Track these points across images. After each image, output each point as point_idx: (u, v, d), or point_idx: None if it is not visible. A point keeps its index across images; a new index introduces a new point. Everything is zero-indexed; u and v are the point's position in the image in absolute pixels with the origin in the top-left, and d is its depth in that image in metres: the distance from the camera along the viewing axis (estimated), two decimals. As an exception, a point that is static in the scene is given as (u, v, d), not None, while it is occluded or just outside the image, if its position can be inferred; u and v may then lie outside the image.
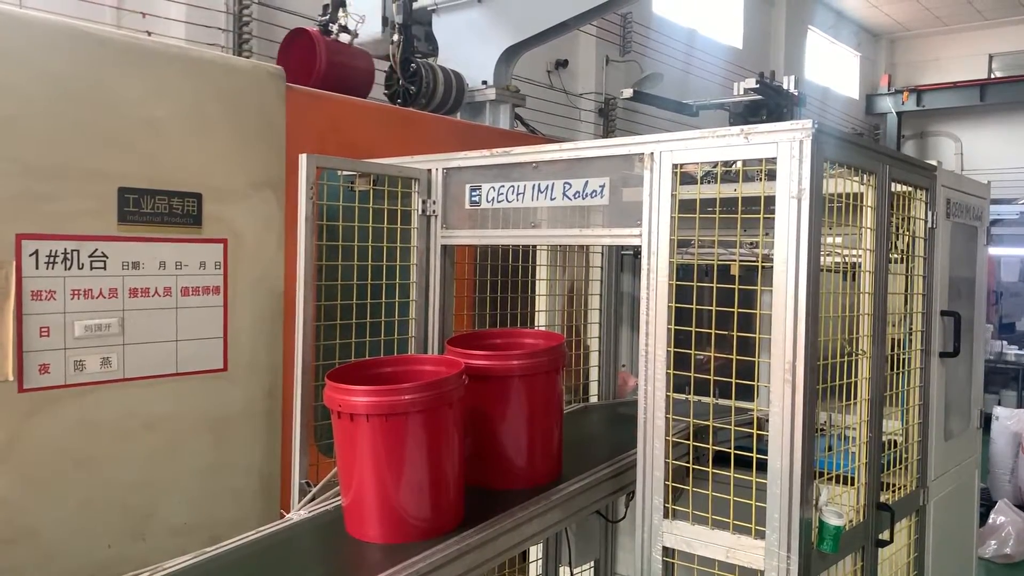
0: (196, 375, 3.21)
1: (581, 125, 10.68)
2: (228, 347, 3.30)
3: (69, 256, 2.86)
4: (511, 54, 5.32)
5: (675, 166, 2.42)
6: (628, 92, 4.50)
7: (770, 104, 3.92)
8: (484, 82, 5.30)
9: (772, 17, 15.76)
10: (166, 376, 3.12)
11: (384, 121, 3.96)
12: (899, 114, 19.70)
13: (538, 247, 3.94)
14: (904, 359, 2.94)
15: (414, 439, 2.24)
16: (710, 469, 2.39)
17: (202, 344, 3.22)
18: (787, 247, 2.21)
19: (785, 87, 3.98)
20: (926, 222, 3.00)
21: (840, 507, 2.38)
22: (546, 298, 3.96)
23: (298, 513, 2.51)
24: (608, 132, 10.91)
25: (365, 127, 3.75)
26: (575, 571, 3.57)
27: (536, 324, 3.95)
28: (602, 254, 3.94)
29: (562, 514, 2.57)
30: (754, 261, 2.42)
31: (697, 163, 2.43)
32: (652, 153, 2.45)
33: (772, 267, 2.29)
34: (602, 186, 2.60)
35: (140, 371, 3.05)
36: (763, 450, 2.33)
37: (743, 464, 2.37)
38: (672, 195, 2.42)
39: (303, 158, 2.73)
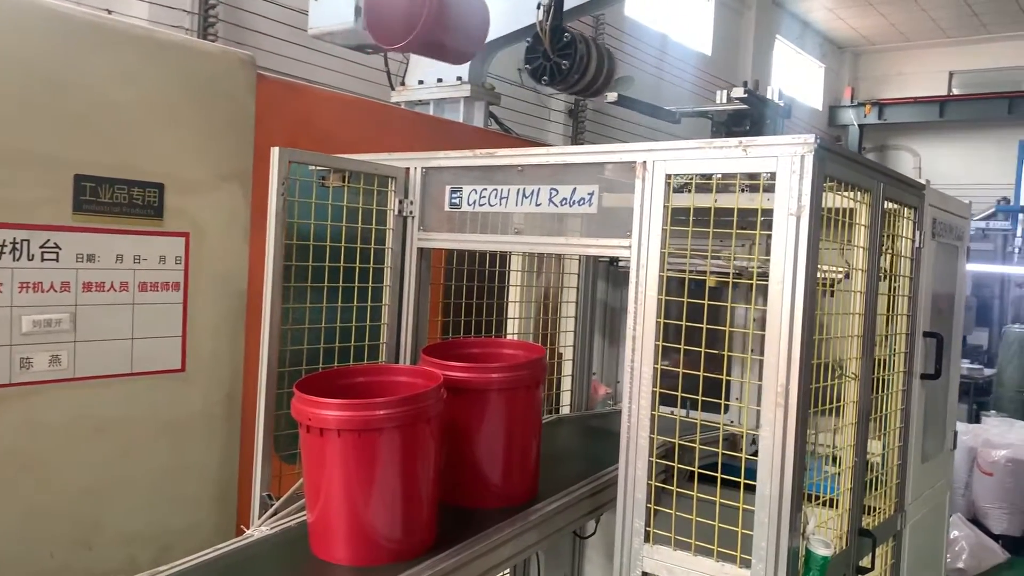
0: (152, 375, 3.04)
1: (550, 126, 10.58)
2: (187, 347, 3.13)
3: (19, 246, 2.67)
4: (488, 51, 5.19)
5: (668, 176, 2.32)
6: (612, 96, 4.39)
7: (754, 114, 3.85)
8: (459, 78, 5.17)
9: (741, 25, 15.82)
10: (120, 376, 2.95)
11: (360, 115, 3.81)
12: (861, 127, 19.95)
13: (512, 253, 3.82)
14: (886, 380, 2.88)
15: (388, 457, 2.11)
16: (695, 493, 2.29)
17: (159, 343, 3.05)
18: (784, 266, 2.12)
19: (769, 97, 3.92)
20: (913, 241, 2.95)
21: (826, 535, 2.31)
22: (518, 305, 3.85)
23: (259, 529, 2.36)
24: (577, 135, 10.83)
25: (339, 121, 3.60)
26: (542, 588, 3.47)
27: (507, 332, 3.83)
28: (579, 261, 3.84)
29: (539, 535, 2.46)
30: (739, 277, 2.33)
31: (692, 174, 2.33)
32: (645, 162, 2.34)
33: (753, 282, 2.22)
34: (591, 194, 2.49)
35: (92, 370, 2.87)
36: (742, 470, 2.26)
37: (724, 482, 2.28)
38: (664, 206, 2.32)
39: (275, 152, 2.58)
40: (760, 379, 2.15)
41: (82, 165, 2.81)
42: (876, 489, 2.84)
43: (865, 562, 2.64)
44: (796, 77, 18.70)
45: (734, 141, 2.23)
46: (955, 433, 3.66)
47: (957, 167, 18.36)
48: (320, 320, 2.80)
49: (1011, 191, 14.32)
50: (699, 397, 2.31)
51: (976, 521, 7.51)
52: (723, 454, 2.34)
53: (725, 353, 2.28)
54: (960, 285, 3.59)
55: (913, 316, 2.96)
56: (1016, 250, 14.20)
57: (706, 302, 2.28)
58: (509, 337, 3.80)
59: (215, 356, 3.21)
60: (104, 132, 2.86)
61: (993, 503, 7.58)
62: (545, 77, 4.22)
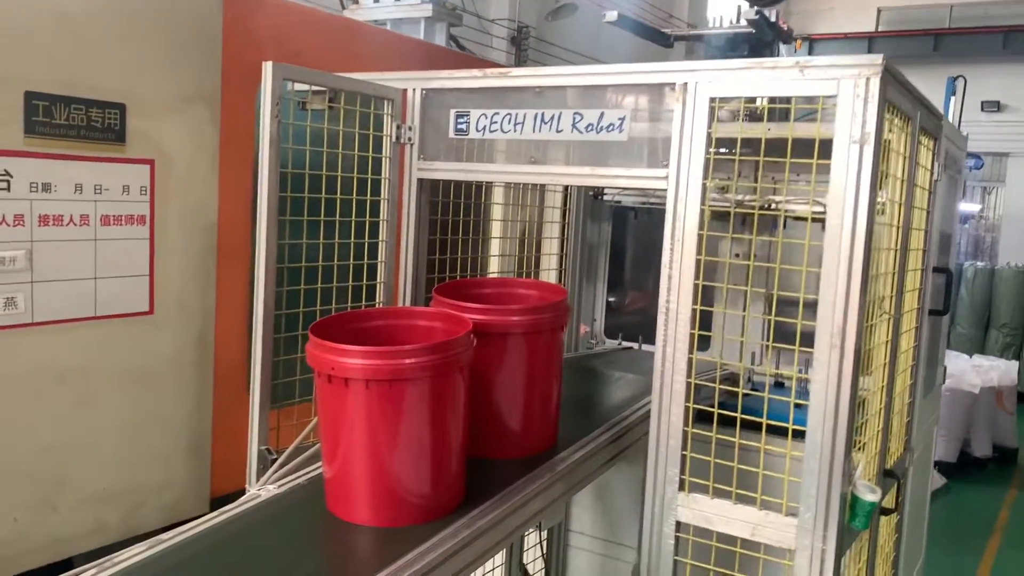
0: (117, 319, 2.75)
1: (493, 53, 10.21)
2: (155, 287, 2.84)
3: (-37, 174, 2.33)
4: (448, -31, 4.85)
5: (712, 100, 2.13)
6: (612, 15, 4.12)
7: (752, 39, 3.67)
8: (419, -4, 4.83)
9: (679, -45, 15.52)
10: (82, 320, 2.65)
11: (332, 33, 3.48)
12: (791, 62, 20.01)
13: (493, 184, 3.57)
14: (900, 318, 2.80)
15: (418, 408, 1.91)
16: (737, 440, 2.16)
17: (125, 283, 2.76)
18: (844, 198, 1.97)
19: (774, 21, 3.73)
20: (931, 173, 2.84)
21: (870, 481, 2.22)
22: (500, 241, 3.63)
23: (265, 488, 2.14)
24: (520, 62, 10.49)
25: (311, 38, 3.28)
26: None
27: (489, 270, 3.62)
28: (566, 194, 3.63)
29: (565, 486, 2.31)
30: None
31: (739, 98, 2.14)
32: (686, 83, 2.14)
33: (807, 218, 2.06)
34: (621, 119, 2.28)
35: (52, 314, 2.57)
36: (780, 416, 2.14)
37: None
38: (708, 133, 2.13)
39: (267, 67, 2.27)
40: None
41: (33, 81, 2.46)
42: (891, 430, 2.78)
43: (887, 502, 2.58)
44: (730, 10, 18.58)
45: (789, 61, 2.06)
46: (944, 368, 3.64)
47: (883, 104, 18.62)
48: (314, 258, 2.54)
49: (937, 128, 14.62)
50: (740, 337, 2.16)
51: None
52: (769, 397, 2.20)
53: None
54: (955, 219, 3.53)
55: (928, 251, 2.87)
56: (940, 186, 14.57)
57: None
58: (491, 275, 3.59)
59: (185, 297, 2.93)
60: (58, 46, 2.51)
61: (930, 431, 7.82)
62: None
